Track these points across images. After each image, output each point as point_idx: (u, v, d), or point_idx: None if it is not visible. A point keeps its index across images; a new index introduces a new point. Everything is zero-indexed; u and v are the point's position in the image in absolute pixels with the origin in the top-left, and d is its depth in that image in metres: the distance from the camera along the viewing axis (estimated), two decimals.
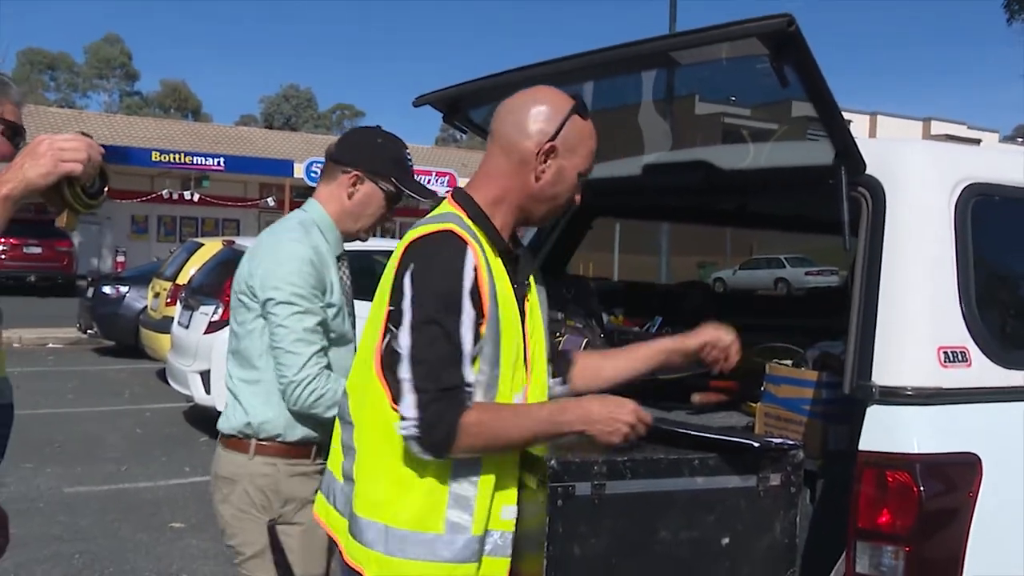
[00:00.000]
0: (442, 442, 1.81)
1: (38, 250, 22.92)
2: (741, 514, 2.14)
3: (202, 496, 6.36)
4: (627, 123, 3.38)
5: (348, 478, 2.02)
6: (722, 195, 3.24)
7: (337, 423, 2.14)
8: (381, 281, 1.97)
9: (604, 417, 1.94)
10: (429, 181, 30.03)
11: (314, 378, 2.53)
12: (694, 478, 2.09)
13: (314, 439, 2.63)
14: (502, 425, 1.88)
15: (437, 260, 1.85)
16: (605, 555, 1.99)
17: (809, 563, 2.40)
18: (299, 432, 2.61)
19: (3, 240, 22.24)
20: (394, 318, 1.86)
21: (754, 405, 2.74)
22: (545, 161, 1.97)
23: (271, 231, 2.76)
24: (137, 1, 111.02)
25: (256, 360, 2.62)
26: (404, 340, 1.83)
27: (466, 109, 3.14)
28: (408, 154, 2.79)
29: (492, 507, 1.92)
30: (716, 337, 2.28)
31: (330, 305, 2.63)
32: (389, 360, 1.87)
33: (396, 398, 1.85)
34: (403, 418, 1.82)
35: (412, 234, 1.91)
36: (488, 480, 1.91)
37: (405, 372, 1.82)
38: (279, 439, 2.61)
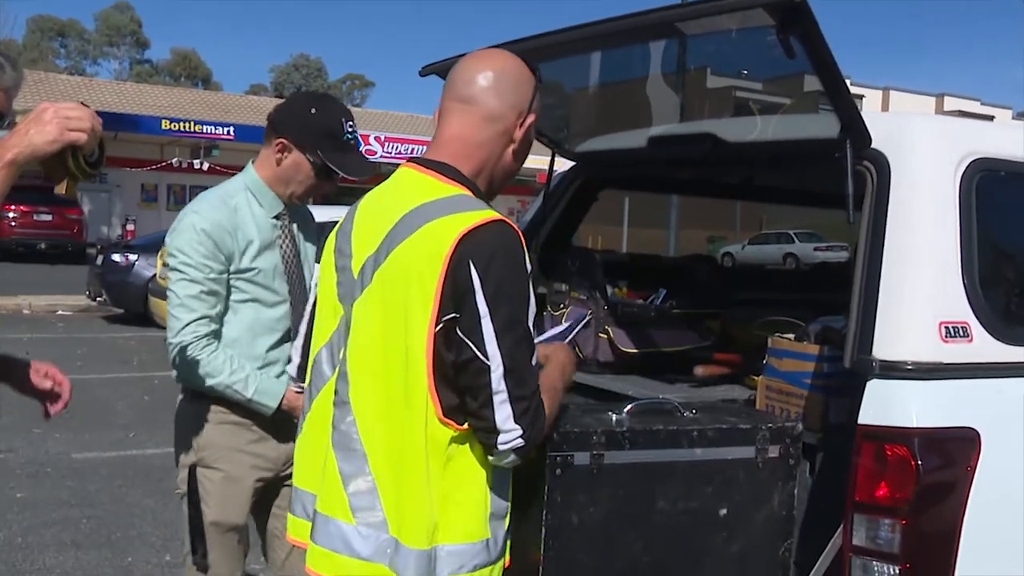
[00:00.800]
0: (538, 439, 1.74)
1: (48, 217, 22.99)
2: (739, 485, 2.15)
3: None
4: (635, 95, 3.37)
5: (369, 522, 1.76)
6: (729, 167, 3.24)
7: (318, 458, 1.88)
8: (396, 278, 1.75)
9: (568, 362, 2.04)
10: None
11: (188, 345, 2.62)
12: (693, 449, 2.09)
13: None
14: (556, 401, 1.87)
15: (504, 256, 1.69)
16: (603, 524, 2.00)
17: (807, 535, 2.42)
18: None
19: (14, 207, 22.30)
20: (467, 329, 1.68)
21: (756, 378, 2.75)
22: (522, 132, 1.90)
23: (195, 200, 2.80)
24: None
25: None
26: (491, 350, 1.67)
27: None
28: (349, 126, 2.73)
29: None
30: None
31: (245, 269, 2.70)
32: (466, 374, 1.69)
33: (475, 413, 1.71)
34: (500, 432, 1.68)
35: (455, 226, 1.69)
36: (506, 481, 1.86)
37: (496, 384, 1.67)
38: (201, 392, 2.70)
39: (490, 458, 1.74)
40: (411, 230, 1.74)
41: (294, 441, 2.14)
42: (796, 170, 3.11)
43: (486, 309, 1.66)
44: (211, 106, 34.45)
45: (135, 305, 12.99)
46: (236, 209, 2.71)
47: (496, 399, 1.68)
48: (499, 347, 1.67)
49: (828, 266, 8.00)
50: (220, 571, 2.78)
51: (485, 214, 1.72)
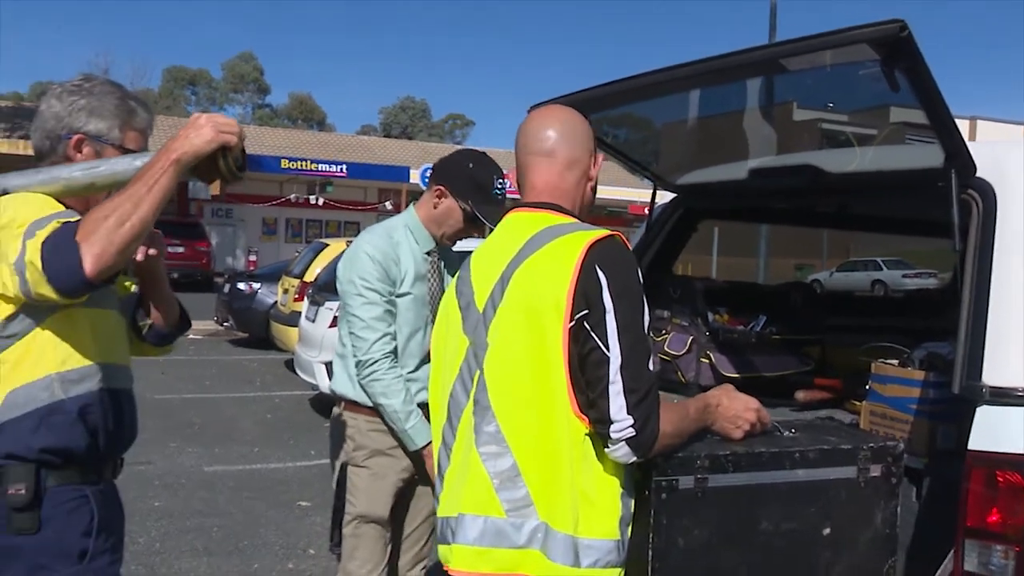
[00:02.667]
0: (650, 441, 1.74)
1: (181, 249, 23.79)
2: (842, 505, 2.07)
3: (327, 477, 6.50)
4: (730, 128, 3.33)
5: (519, 507, 1.77)
6: (827, 197, 3.15)
7: (462, 459, 1.88)
8: (529, 287, 1.81)
9: (732, 415, 1.97)
10: None
11: (376, 361, 2.87)
12: (795, 470, 2.02)
13: None
14: (680, 422, 1.84)
15: (625, 263, 1.78)
16: (707, 546, 1.94)
17: (917, 561, 2.32)
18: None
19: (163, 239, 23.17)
20: (594, 323, 1.73)
21: (858, 403, 2.66)
22: (596, 169, 2.02)
23: (363, 233, 3.10)
24: (269, 21, 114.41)
25: (344, 339, 3.01)
26: (612, 343, 1.72)
27: None
28: (499, 183, 2.98)
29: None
30: None
31: (403, 294, 2.95)
32: (588, 365, 1.73)
33: (592, 404, 1.73)
34: (612, 422, 1.71)
35: (580, 239, 1.78)
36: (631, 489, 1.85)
37: (613, 375, 1.71)
38: (355, 402, 2.97)
39: (606, 451, 1.75)
40: (540, 246, 1.83)
41: None
42: (894, 199, 3.01)
43: (611, 305, 1.73)
44: (325, 146, 35.33)
45: (258, 330, 13.26)
46: (398, 243, 2.98)
47: (611, 389, 1.72)
48: (619, 341, 1.72)
49: (921, 292, 7.72)
50: (363, 561, 2.98)
51: (605, 231, 1.82)
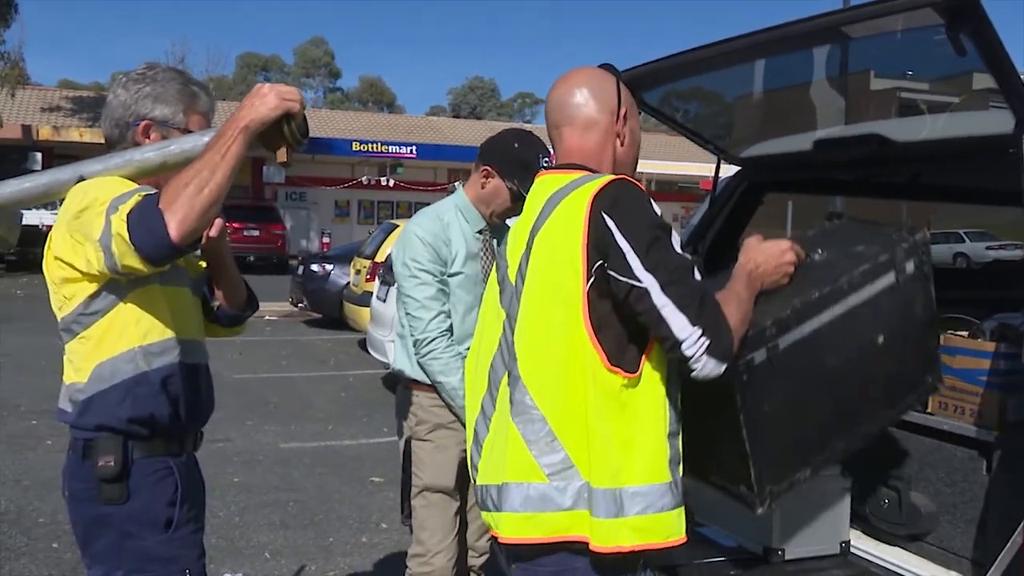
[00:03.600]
0: (728, 342, 1.71)
1: (256, 233, 24.26)
2: (888, 309, 2.19)
3: (399, 454, 6.62)
4: (798, 100, 3.28)
5: (560, 471, 1.77)
6: (895, 167, 3.09)
7: (500, 431, 1.89)
8: (545, 255, 1.82)
9: (773, 268, 1.99)
10: None
11: (433, 340, 2.95)
12: (846, 299, 2.15)
13: None
14: (741, 308, 1.81)
15: (628, 199, 1.76)
16: (789, 401, 2.08)
17: (986, 532, 2.29)
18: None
19: (227, 224, 23.64)
20: (617, 267, 1.71)
21: None
22: (623, 125, 1.97)
23: (414, 216, 3.15)
24: (339, 5, 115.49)
25: (403, 320, 3.10)
26: (641, 274, 1.69)
27: (640, 91, 3.12)
28: (545, 161, 2.98)
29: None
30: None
31: (454, 274, 3.02)
32: (633, 307, 1.71)
33: (659, 339, 1.71)
34: (681, 340, 1.67)
35: (586, 192, 1.78)
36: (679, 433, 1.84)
37: (660, 300, 1.67)
38: (416, 380, 3.06)
39: (693, 374, 1.71)
40: (554, 206, 1.84)
41: None
42: (966, 168, 2.94)
43: (626, 244, 1.71)
44: (395, 128, 35.61)
45: (331, 310, 13.43)
46: (448, 224, 3.05)
47: (665, 312, 1.68)
48: (647, 269, 1.69)
49: (1001, 264, 7.49)
50: (433, 531, 3.08)
51: (606, 177, 1.81)
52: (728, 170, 3.58)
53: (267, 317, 15.59)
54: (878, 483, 2.64)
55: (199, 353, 2.22)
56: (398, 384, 3.23)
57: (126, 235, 1.79)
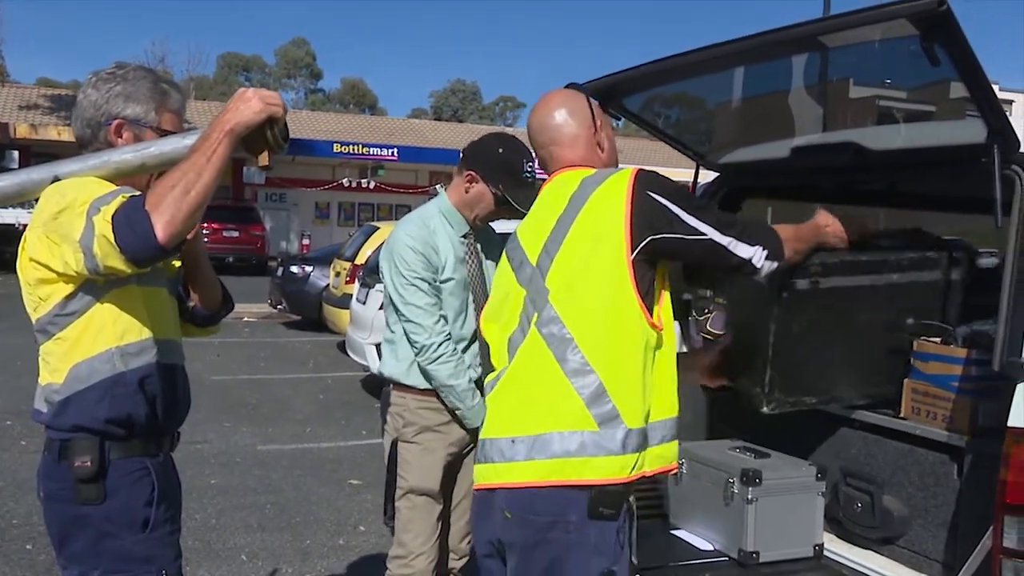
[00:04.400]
0: (777, 245, 2.15)
1: (236, 234, 24.13)
2: (925, 300, 2.58)
3: (377, 456, 6.59)
4: (777, 107, 3.31)
5: (609, 420, 1.97)
6: (872, 175, 3.13)
7: (528, 403, 2.06)
8: (588, 228, 2.06)
9: (839, 231, 2.48)
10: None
11: (440, 344, 2.95)
12: (891, 275, 2.55)
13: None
14: (796, 231, 2.30)
15: (662, 179, 2.10)
16: (815, 331, 2.50)
17: (956, 536, 2.32)
18: (425, 382, 3.03)
19: (206, 225, 23.60)
20: (677, 230, 2.03)
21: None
22: (602, 133, 2.27)
23: (399, 223, 3.15)
24: (321, 6, 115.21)
25: (392, 326, 3.11)
26: (702, 228, 2.04)
27: (620, 97, 3.15)
28: (528, 166, 3.02)
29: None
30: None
31: (445, 280, 3.02)
32: (701, 257, 2.09)
33: (734, 271, 2.14)
34: (748, 259, 2.09)
35: (621, 180, 2.06)
36: None
37: (723, 240, 2.06)
38: (405, 384, 3.07)
39: (760, 277, 2.15)
40: (584, 198, 2.09)
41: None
42: (941, 176, 2.98)
43: (680, 210, 2.04)
44: (377, 130, 35.54)
45: (311, 312, 13.40)
46: (434, 231, 3.05)
47: (731, 247, 2.08)
48: (703, 222, 2.05)
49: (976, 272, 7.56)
50: (416, 533, 3.07)
51: (632, 168, 2.13)
52: (707, 176, 3.61)
53: (246, 319, 15.53)
54: (851, 487, 2.67)
55: (176, 353, 2.21)
56: (383, 387, 3.23)
57: (111, 236, 1.79)
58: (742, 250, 2.09)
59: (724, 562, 2.58)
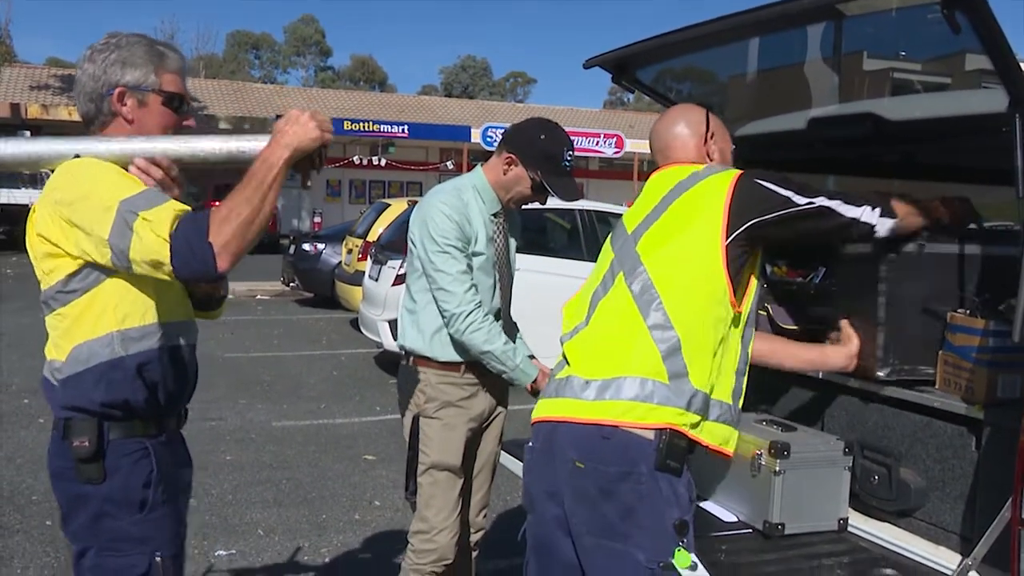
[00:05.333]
0: (888, 206, 2.30)
1: None
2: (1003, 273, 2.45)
3: (392, 432, 6.65)
4: (792, 79, 3.27)
5: (679, 375, 2.11)
6: (889, 146, 3.09)
7: (608, 349, 2.20)
8: (689, 208, 2.21)
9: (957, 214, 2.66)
10: (597, 143, 29.89)
11: (470, 312, 2.93)
12: (987, 245, 2.58)
13: (461, 360, 3.05)
14: (900, 200, 2.39)
15: (762, 173, 2.24)
16: (922, 295, 2.52)
17: (975, 509, 2.31)
18: (447, 354, 3.04)
19: (216, 204, 23.55)
20: (788, 208, 2.18)
21: None
22: (713, 144, 2.44)
23: (431, 192, 3.13)
24: None
25: (415, 295, 3.08)
26: (811, 199, 2.20)
27: (634, 69, 3.12)
28: (568, 154, 3.04)
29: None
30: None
31: (475, 254, 3.01)
32: (812, 228, 2.26)
33: (844, 229, 2.28)
34: (858, 219, 2.25)
35: (728, 175, 2.22)
36: None
37: (830, 203, 2.22)
38: (428, 357, 3.06)
39: (877, 234, 2.30)
40: (689, 186, 2.25)
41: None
42: (958, 147, 2.94)
43: (786, 191, 2.19)
44: (387, 107, 35.46)
45: (323, 289, 13.47)
46: (467, 203, 3.04)
47: (840, 208, 2.23)
48: (808, 195, 2.20)
49: None
50: (439, 508, 3.08)
51: (736, 170, 2.28)
52: None
53: (259, 296, 15.59)
54: (868, 459, 2.66)
55: (186, 334, 2.19)
56: (401, 361, 3.21)
57: (166, 257, 1.80)
58: (849, 211, 2.24)
59: (749, 533, 2.58)
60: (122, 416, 2.03)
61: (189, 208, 1.89)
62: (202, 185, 25.48)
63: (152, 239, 1.80)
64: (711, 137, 2.43)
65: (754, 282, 2.25)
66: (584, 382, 2.17)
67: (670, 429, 2.06)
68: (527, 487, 2.31)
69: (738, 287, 2.18)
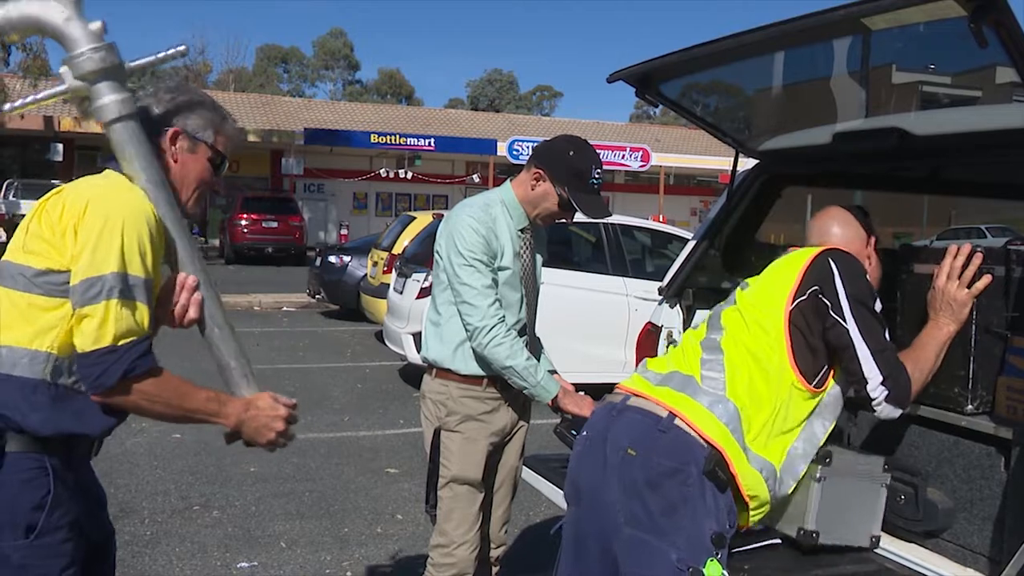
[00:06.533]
0: (907, 394, 2.20)
1: (274, 224, 24.33)
2: None
3: (415, 445, 6.64)
4: (818, 93, 3.25)
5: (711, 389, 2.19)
6: (917, 161, 3.06)
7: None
8: (770, 276, 2.34)
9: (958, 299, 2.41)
10: (623, 156, 29.86)
11: (493, 327, 2.91)
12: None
13: (483, 374, 3.03)
14: (923, 361, 2.28)
15: (853, 260, 2.27)
16: (1003, 320, 2.43)
17: (1005, 531, 2.27)
18: (469, 367, 3.03)
19: (245, 216, 23.83)
20: (831, 302, 2.17)
21: None
22: (869, 250, 2.51)
23: (459, 206, 3.12)
24: None
25: (440, 308, 3.08)
26: (847, 316, 2.15)
27: (658, 83, 3.11)
28: (597, 172, 3.02)
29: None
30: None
31: (501, 268, 3.00)
32: (830, 336, 2.17)
33: (845, 369, 2.19)
34: (867, 379, 2.15)
35: (817, 248, 2.30)
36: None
37: (857, 342, 2.15)
38: (450, 370, 3.05)
39: (874, 412, 2.21)
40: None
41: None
42: (988, 161, 2.91)
43: (842, 288, 2.16)
44: (414, 120, 35.66)
45: (349, 302, 13.50)
46: (495, 218, 3.04)
47: (861, 354, 2.14)
48: (853, 315, 2.15)
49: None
50: (458, 522, 3.06)
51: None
52: (747, 163, 3.56)
53: (285, 308, 15.67)
54: (894, 479, 2.62)
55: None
56: (424, 373, 3.21)
57: (86, 350, 1.85)
58: (868, 367, 2.15)
59: (781, 540, 2.52)
60: (18, 428, 1.89)
61: (148, 334, 1.93)
62: (231, 197, 25.73)
63: (95, 330, 1.84)
64: (870, 243, 2.50)
65: (838, 373, 2.24)
66: (652, 374, 2.34)
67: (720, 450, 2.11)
68: (575, 479, 2.33)
69: (809, 368, 2.18)
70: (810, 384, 2.16)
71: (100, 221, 1.88)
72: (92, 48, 1.90)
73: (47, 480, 1.90)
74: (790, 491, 2.25)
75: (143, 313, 1.90)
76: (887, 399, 2.15)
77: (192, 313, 2.06)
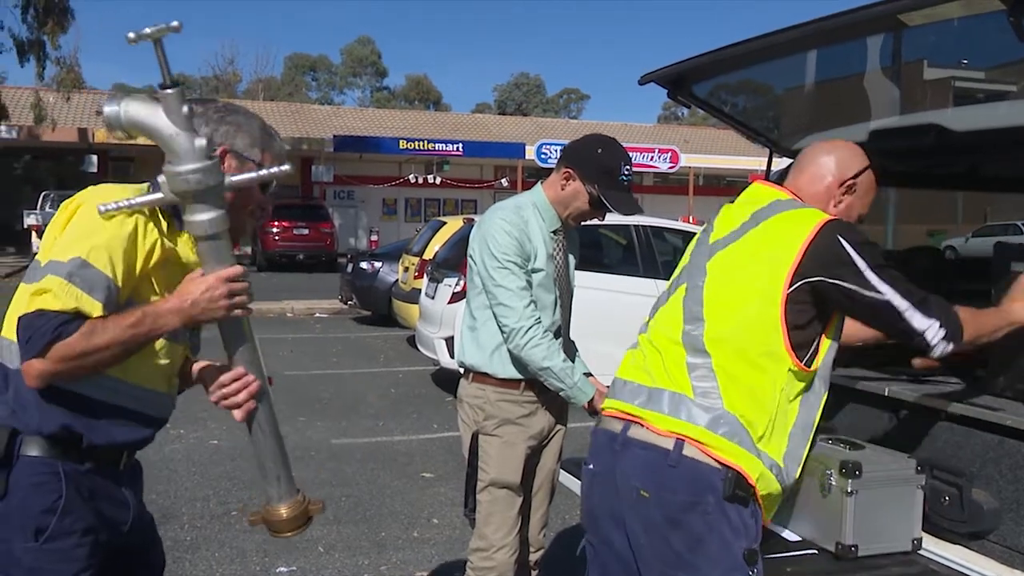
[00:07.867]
0: (959, 327, 2.09)
1: (305, 231, 24.48)
2: None
3: (449, 449, 6.66)
4: (851, 90, 3.23)
5: (706, 397, 2.08)
6: (953, 157, 3.03)
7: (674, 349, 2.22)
8: (763, 239, 2.12)
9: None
10: (652, 158, 29.77)
11: (529, 328, 2.91)
12: None
13: (521, 377, 3.03)
14: (984, 327, 2.19)
15: (857, 231, 2.13)
16: None
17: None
18: (506, 371, 3.02)
19: (276, 223, 24.00)
20: (855, 281, 2.04)
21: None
22: (840, 190, 2.27)
23: (491, 209, 3.12)
24: (386, 4, 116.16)
25: (475, 312, 3.08)
26: (881, 287, 2.04)
27: (690, 84, 3.10)
28: (626, 168, 3.01)
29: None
30: None
31: (535, 270, 3.00)
32: (871, 315, 2.09)
33: (900, 334, 2.09)
34: (922, 332, 2.06)
35: (814, 216, 2.11)
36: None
37: (900, 305, 2.05)
38: (487, 374, 3.05)
39: (935, 355, 2.11)
40: (770, 215, 2.15)
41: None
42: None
43: (862, 262, 2.04)
44: (441, 125, 35.76)
45: (380, 307, 13.53)
46: (527, 220, 3.04)
47: (906, 314, 2.05)
48: (884, 280, 2.04)
49: None
50: (497, 526, 3.07)
51: (828, 215, 2.15)
52: (780, 163, 3.53)
53: (317, 315, 15.77)
54: (938, 479, 2.59)
55: (157, 406, 2.10)
56: (461, 378, 3.22)
57: (31, 307, 1.80)
58: (917, 320, 2.06)
59: (820, 555, 2.51)
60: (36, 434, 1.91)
61: (86, 312, 1.84)
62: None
63: (35, 296, 1.81)
64: (850, 189, 2.27)
65: (827, 343, 2.13)
66: (629, 395, 2.21)
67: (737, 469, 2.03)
68: (591, 509, 2.29)
69: (802, 343, 2.06)
70: (802, 363, 2.07)
71: (83, 217, 1.92)
72: (192, 170, 1.86)
73: (59, 485, 1.91)
74: (796, 476, 2.16)
75: (91, 305, 1.84)
76: (943, 339, 2.07)
77: (237, 415, 2.07)
